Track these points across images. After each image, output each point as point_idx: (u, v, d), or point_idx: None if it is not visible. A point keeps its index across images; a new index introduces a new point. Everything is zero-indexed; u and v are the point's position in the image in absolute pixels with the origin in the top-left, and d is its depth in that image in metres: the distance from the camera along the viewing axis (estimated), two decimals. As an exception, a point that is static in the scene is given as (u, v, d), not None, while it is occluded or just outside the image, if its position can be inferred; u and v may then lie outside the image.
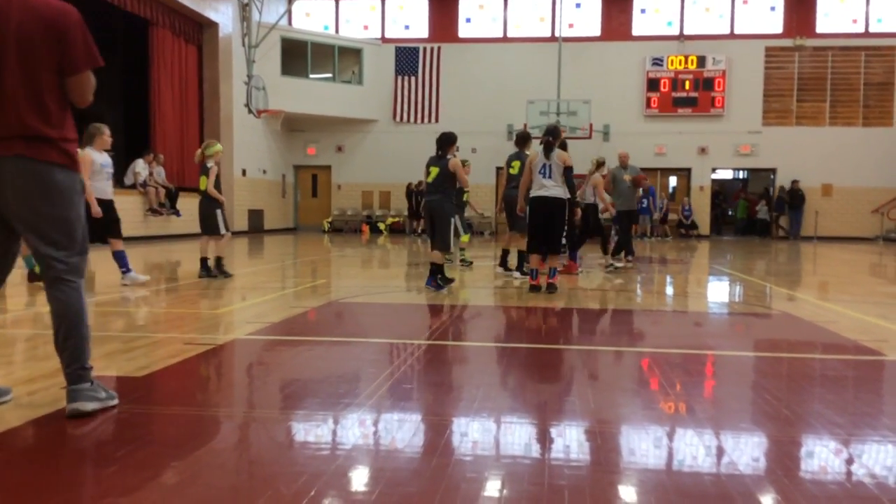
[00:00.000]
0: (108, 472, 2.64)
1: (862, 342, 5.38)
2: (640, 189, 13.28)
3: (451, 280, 8.67)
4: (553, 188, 8.17)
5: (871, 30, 24.34)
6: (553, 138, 8.23)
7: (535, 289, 8.26)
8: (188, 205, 19.47)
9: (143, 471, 2.65)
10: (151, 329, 5.79)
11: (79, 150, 7.81)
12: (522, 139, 10.00)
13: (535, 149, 8.83)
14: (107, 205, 8.41)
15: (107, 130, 8.39)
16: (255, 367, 4.63)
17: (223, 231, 9.58)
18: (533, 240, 8.43)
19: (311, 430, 3.20)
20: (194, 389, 4.05)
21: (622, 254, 11.87)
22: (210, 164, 9.69)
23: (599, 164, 11.28)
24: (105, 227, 8.34)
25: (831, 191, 24.48)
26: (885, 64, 24.22)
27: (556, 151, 8.20)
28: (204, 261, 9.64)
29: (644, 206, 21.24)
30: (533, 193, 8.29)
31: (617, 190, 12.09)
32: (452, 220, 8.53)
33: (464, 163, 9.58)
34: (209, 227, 9.64)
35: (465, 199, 11.37)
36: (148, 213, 18.01)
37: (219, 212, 9.58)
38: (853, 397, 3.99)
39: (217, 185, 9.67)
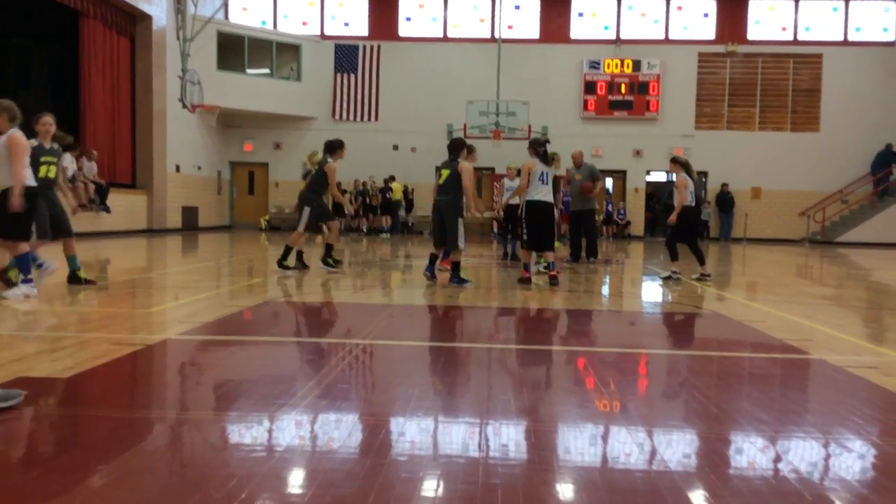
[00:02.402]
0: (31, 476, 2.56)
1: (788, 341, 5.54)
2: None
3: (467, 281, 8.94)
4: (548, 194, 9.00)
5: (800, 38, 25.18)
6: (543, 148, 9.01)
7: (525, 280, 9.14)
8: (119, 201, 19.02)
9: (67, 474, 2.57)
10: (79, 329, 5.62)
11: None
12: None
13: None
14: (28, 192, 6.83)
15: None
16: (187, 368, 4.54)
17: (301, 229, 10.34)
18: (531, 238, 9.12)
19: (243, 432, 3.15)
20: (123, 391, 3.95)
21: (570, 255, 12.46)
22: (314, 170, 10.60)
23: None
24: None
25: (760, 194, 25.22)
26: (812, 71, 25.07)
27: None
28: (327, 249, 10.59)
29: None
30: (533, 197, 8.94)
31: (570, 190, 12.48)
32: (460, 220, 8.88)
33: (508, 168, 11.46)
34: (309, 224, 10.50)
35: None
36: (77, 209, 17.49)
37: (308, 210, 10.28)
38: (779, 395, 4.11)
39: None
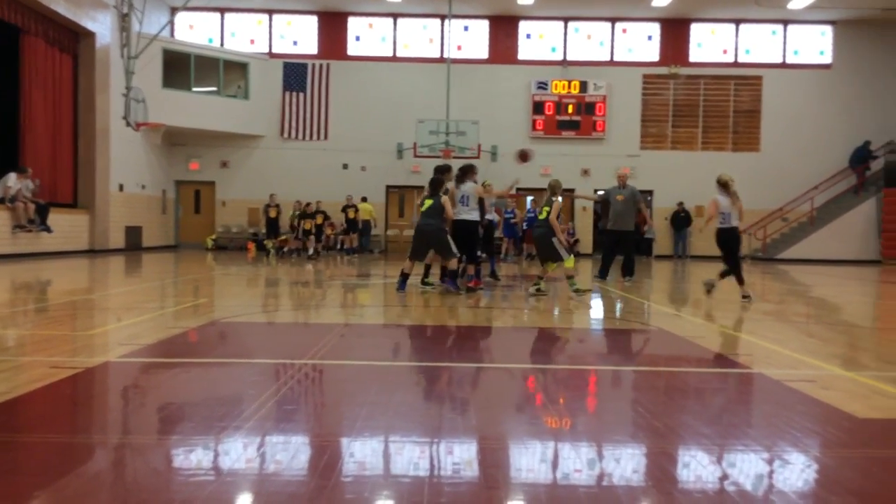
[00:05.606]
0: (-41, 507, 2.47)
1: (730, 356, 5.66)
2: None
3: (462, 290, 10.30)
4: (466, 213, 10.64)
5: (740, 60, 25.87)
6: (464, 174, 10.82)
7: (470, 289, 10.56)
8: (60, 221, 18.58)
9: (4, 501, 2.48)
10: (14, 352, 5.46)
11: None
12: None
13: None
14: None
15: None
16: (128, 391, 4.44)
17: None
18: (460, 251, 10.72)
19: (184, 456, 3.09)
20: (61, 415, 3.84)
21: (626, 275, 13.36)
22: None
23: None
24: None
25: (704, 212, 25.72)
26: (753, 92, 25.78)
27: (470, 185, 10.71)
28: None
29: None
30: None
31: (612, 210, 13.10)
32: (447, 236, 10.22)
33: (485, 184, 11.88)
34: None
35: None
36: (16, 229, 17.05)
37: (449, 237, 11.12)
38: (720, 409, 4.18)
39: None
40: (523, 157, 14.06)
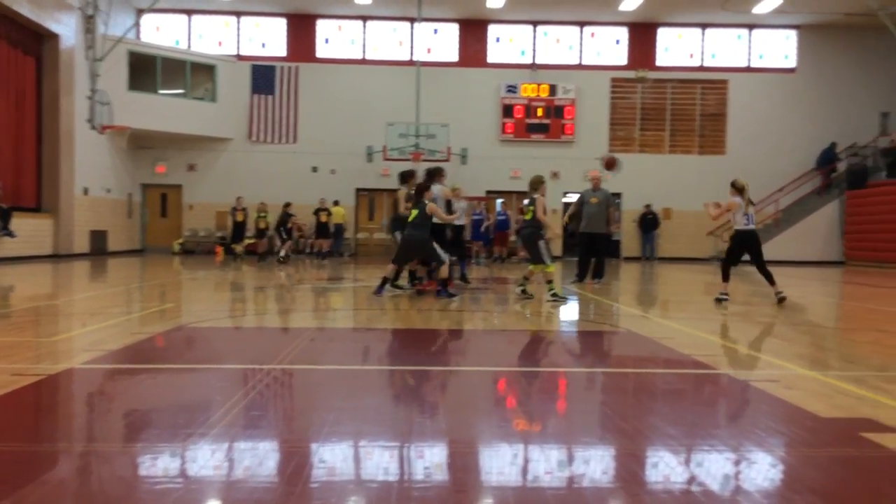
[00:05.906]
0: (-84, 519, 2.41)
1: (696, 357, 5.71)
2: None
3: (455, 295, 10.25)
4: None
5: (706, 64, 26.21)
6: (431, 177, 10.90)
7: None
8: (23, 225, 18.28)
9: (-44, 515, 2.44)
10: (-24, 359, 5.35)
11: None
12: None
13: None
14: None
15: None
16: (92, 398, 4.37)
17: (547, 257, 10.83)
18: None
19: (149, 463, 3.05)
20: (23, 423, 3.77)
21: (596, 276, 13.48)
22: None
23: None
24: None
25: (671, 214, 26.02)
26: (718, 96, 26.12)
27: (438, 187, 10.84)
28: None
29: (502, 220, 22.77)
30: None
31: (585, 212, 13.15)
32: (434, 244, 10.12)
33: (454, 188, 12.12)
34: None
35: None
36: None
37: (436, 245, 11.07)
38: (686, 410, 4.22)
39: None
40: (609, 164, 14.01)
